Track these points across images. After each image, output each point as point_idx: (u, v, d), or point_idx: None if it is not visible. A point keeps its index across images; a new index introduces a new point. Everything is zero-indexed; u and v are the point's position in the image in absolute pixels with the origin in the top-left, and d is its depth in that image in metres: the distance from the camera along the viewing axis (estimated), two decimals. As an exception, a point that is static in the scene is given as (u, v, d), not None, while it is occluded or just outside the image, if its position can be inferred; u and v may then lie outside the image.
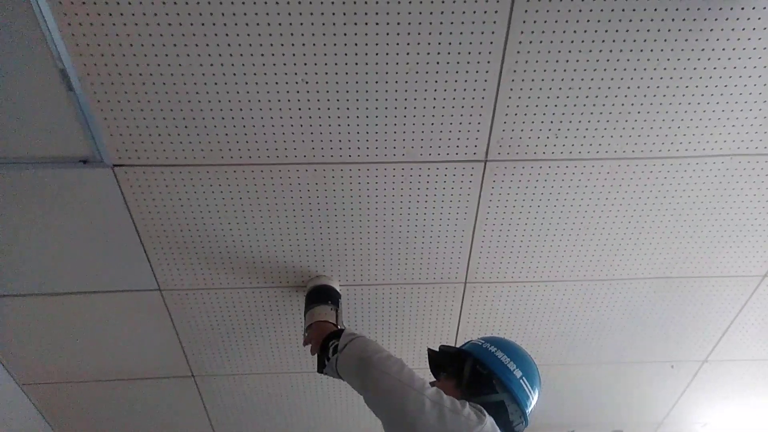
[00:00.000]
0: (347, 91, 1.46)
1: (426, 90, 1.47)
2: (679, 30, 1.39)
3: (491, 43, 1.38)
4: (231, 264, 1.91)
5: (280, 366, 2.38)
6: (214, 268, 1.92)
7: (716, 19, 1.37)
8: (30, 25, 1.26)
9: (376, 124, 1.53)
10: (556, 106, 1.53)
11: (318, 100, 1.47)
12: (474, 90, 1.48)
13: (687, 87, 1.51)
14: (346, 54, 1.38)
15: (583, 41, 1.40)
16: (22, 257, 1.80)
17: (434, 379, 1.61)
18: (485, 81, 1.46)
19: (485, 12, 1.33)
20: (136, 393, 2.47)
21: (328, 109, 1.49)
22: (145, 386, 2.43)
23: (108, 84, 1.40)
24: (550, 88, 1.49)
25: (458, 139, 1.59)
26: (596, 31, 1.38)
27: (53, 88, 1.38)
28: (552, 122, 1.57)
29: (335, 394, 2.58)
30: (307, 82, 1.43)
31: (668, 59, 1.44)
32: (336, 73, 1.42)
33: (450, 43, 1.38)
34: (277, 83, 1.43)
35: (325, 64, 1.40)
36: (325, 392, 2.57)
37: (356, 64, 1.40)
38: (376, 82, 1.44)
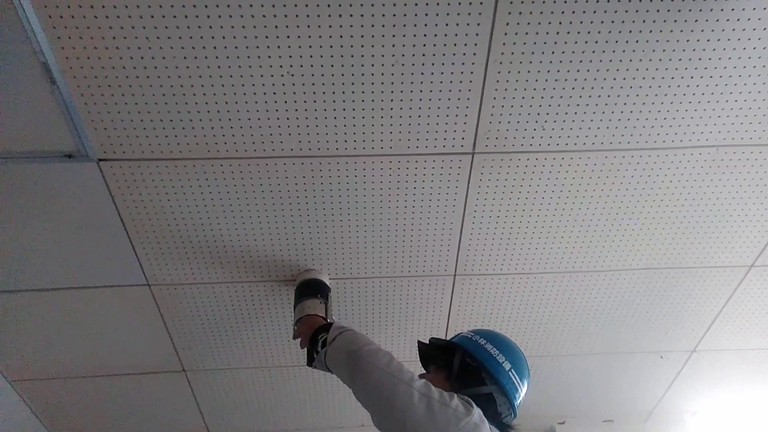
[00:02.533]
0: (333, 84, 1.45)
1: (412, 82, 1.46)
2: (664, 21, 1.39)
3: (477, 34, 1.38)
4: (220, 258, 1.90)
5: (270, 360, 2.38)
6: (202, 263, 1.91)
7: (700, 10, 1.37)
8: (10, 18, 1.24)
9: (363, 117, 1.53)
10: (542, 97, 1.53)
11: (304, 93, 1.47)
12: (461, 82, 1.47)
13: (673, 78, 1.51)
14: (331, 46, 1.37)
15: (569, 32, 1.39)
16: (7, 253, 1.79)
17: (424, 372, 1.62)
18: (471, 73, 1.45)
19: (470, 3, 1.32)
20: (127, 388, 2.47)
21: (314, 102, 1.48)
22: (136, 381, 2.43)
23: (91, 77, 1.38)
24: (537, 80, 1.48)
25: (445, 131, 1.58)
26: (582, 22, 1.38)
27: (36, 82, 1.36)
28: (539, 114, 1.56)
29: (325, 387, 2.59)
30: (292, 75, 1.42)
31: (653, 50, 1.44)
32: (322, 66, 1.41)
33: (436, 35, 1.37)
34: (262, 76, 1.42)
35: (311, 56, 1.39)
36: (316, 386, 2.57)
37: (342, 56, 1.39)
38: (362, 74, 1.44)
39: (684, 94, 1.55)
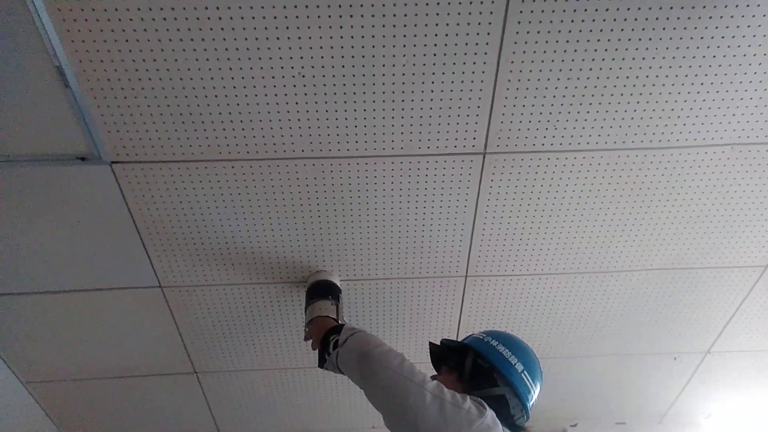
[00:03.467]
0: (344, 85, 1.45)
1: (423, 82, 1.46)
2: (678, 18, 1.37)
3: (488, 34, 1.37)
4: (231, 260, 1.90)
5: (281, 362, 2.38)
6: (214, 265, 1.91)
7: (715, 6, 1.36)
8: (25, 21, 1.25)
9: (374, 118, 1.53)
10: (554, 97, 1.52)
11: (315, 94, 1.47)
12: (472, 82, 1.47)
13: (686, 76, 1.50)
14: (342, 47, 1.38)
15: (580, 31, 1.39)
16: (22, 256, 1.80)
17: (436, 373, 1.61)
18: (483, 73, 1.45)
19: (482, 3, 1.32)
20: (139, 390, 2.48)
21: (326, 102, 1.48)
22: (147, 383, 2.44)
23: (104, 80, 1.39)
24: (548, 80, 1.48)
25: (457, 131, 1.58)
26: (594, 21, 1.37)
27: (49, 85, 1.38)
28: (551, 113, 1.56)
29: (337, 389, 2.58)
30: (303, 76, 1.42)
31: (667, 48, 1.43)
32: (333, 66, 1.41)
33: (447, 35, 1.37)
34: (273, 77, 1.42)
35: (321, 57, 1.39)
36: (327, 387, 2.57)
37: (353, 57, 1.39)
38: (374, 75, 1.44)
39: (698, 92, 1.53)
